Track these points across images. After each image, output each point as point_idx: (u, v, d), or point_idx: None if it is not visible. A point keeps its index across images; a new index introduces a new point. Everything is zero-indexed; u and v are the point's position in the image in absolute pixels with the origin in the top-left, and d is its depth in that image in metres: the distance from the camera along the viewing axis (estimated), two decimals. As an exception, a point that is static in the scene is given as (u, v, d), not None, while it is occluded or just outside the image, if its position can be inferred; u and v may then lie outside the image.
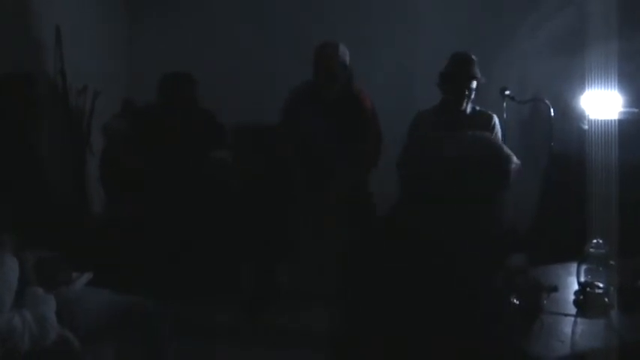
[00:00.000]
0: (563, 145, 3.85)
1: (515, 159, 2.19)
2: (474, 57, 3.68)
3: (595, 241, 2.25)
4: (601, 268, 2.20)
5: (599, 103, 3.83)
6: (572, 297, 2.23)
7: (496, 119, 3.74)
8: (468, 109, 3.72)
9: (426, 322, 1.82)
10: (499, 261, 2.22)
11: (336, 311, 2.01)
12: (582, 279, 2.22)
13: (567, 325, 2.09)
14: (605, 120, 3.74)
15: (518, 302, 2.12)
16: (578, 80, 3.92)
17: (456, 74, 3.65)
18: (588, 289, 2.20)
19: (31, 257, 2.28)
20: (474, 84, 3.65)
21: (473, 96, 3.69)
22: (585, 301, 2.19)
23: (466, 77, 3.64)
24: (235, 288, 3.99)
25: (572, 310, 2.18)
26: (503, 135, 3.84)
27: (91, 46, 4.44)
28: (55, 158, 3.82)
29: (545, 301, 2.14)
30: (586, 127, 3.85)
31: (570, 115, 3.96)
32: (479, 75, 3.66)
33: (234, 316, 3.76)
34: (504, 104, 3.86)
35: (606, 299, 2.18)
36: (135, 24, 4.94)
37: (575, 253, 2.30)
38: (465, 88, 3.64)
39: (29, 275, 2.21)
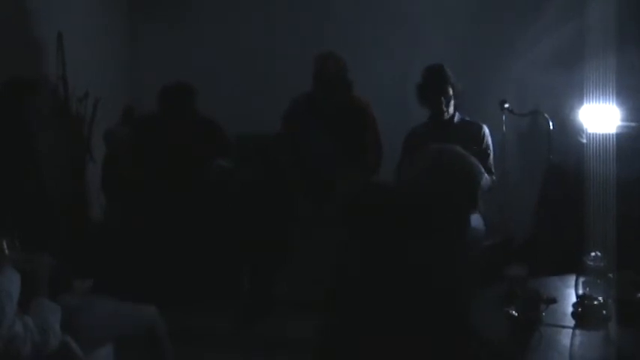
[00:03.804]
0: (561, 158, 3.87)
1: (486, 176, 2.10)
2: (445, 68, 3.69)
3: (593, 254, 2.27)
4: (599, 281, 2.22)
5: (598, 117, 3.84)
6: (570, 309, 2.24)
7: (486, 129, 3.75)
8: (456, 119, 3.74)
9: (419, 330, 1.83)
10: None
11: (330, 321, 2.01)
12: (580, 291, 2.23)
13: (565, 337, 2.10)
14: (603, 134, 3.76)
15: (516, 314, 2.14)
16: (576, 94, 3.94)
17: (428, 85, 3.68)
18: (586, 301, 2.22)
19: (35, 266, 2.28)
20: (450, 92, 3.66)
21: (452, 103, 3.68)
22: (583, 313, 2.20)
23: (438, 86, 3.66)
24: (234, 295, 4.00)
25: (571, 322, 2.19)
26: (502, 147, 3.85)
27: (92, 53, 4.46)
28: (55, 164, 3.83)
29: (543, 313, 2.16)
30: (584, 140, 3.86)
31: (569, 129, 3.97)
32: (453, 81, 3.67)
33: (232, 322, 3.77)
34: (503, 117, 3.88)
35: (604, 311, 2.19)
36: (137, 30, 4.96)
37: (573, 265, 2.32)
38: (438, 96, 3.66)
39: (34, 284, 2.22)
